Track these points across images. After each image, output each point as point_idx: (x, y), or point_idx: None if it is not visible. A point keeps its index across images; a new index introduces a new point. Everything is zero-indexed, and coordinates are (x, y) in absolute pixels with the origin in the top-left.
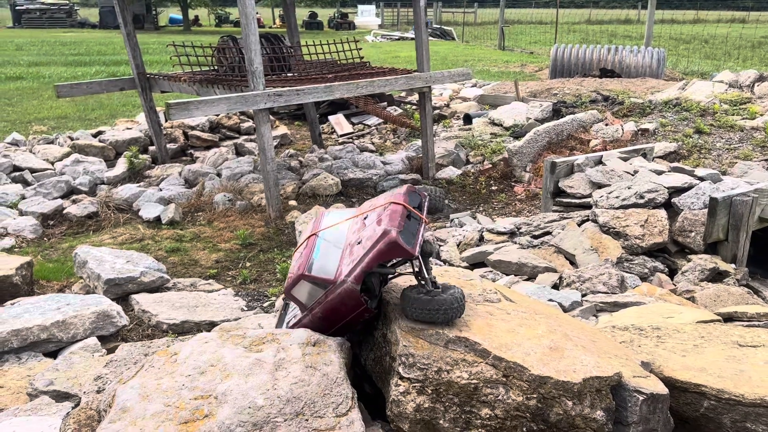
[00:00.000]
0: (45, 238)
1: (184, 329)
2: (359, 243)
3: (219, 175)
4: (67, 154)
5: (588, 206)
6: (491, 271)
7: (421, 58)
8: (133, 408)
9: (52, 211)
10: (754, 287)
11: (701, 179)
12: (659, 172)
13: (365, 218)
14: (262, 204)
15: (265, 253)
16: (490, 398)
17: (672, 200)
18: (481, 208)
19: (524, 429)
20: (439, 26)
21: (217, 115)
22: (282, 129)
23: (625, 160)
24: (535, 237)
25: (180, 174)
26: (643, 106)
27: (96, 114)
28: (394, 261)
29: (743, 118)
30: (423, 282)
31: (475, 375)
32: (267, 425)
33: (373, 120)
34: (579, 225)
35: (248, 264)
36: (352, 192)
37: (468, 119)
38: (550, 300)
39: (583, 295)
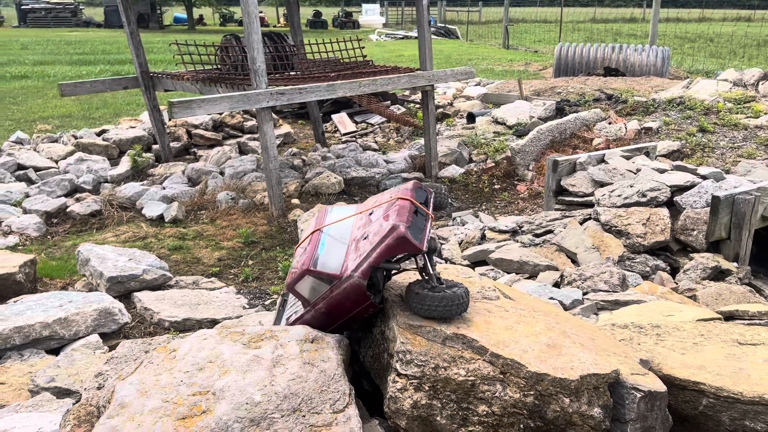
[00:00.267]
0: (48, 236)
1: (185, 327)
2: (365, 238)
3: (222, 173)
4: (71, 153)
5: (590, 205)
6: (493, 270)
7: (424, 57)
8: (132, 404)
9: (56, 210)
10: (757, 286)
11: (704, 178)
12: (662, 171)
13: (371, 214)
14: (265, 202)
15: (268, 252)
16: (488, 395)
17: (674, 199)
18: (483, 207)
19: (521, 426)
20: (443, 25)
21: (221, 114)
22: (285, 128)
23: (627, 158)
24: (537, 235)
25: (183, 172)
26: (646, 105)
27: (100, 113)
28: (399, 256)
29: (747, 117)
30: (428, 278)
31: (473, 372)
32: (264, 421)
33: (376, 119)
34: (581, 223)
35: (250, 262)
36: (355, 190)
37: (471, 118)
38: (551, 298)
39: (585, 294)
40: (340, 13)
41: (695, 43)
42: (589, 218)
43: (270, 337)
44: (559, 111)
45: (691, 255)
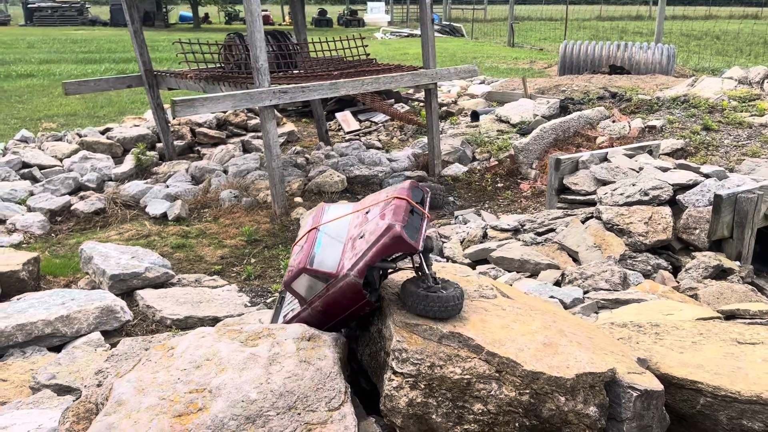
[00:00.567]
0: (52, 234)
1: (187, 325)
2: (362, 237)
3: (225, 171)
4: (75, 151)
5: (593, 203)
6: (494, 268)
7: (427, 55)
8: (129, 401)
9: (60, 208)
10: (759, 285)
11: (707, 176)
12: (664, 169)
13: (367, 212)
14: (268, 200)
15: (270, 250)
16: (483, 393)
17: (677, 197)
18: (486, 205)
19: (517, 424)
20: (448, 23)
21: (225, 112)
22: (289, 126)
23: (630, 157)
24: (539, 234)
25: (187, 171)
26: (650, 103)
27: (105, 111)
28: (395, 255)
29: (752, 115)
30: (424, 277)
31: (468, 370)
32: (259, 419)
33: (380, 117)
34: (583, 222)
35: (253, 260)
36: (358, 189)
37: (475, 116)
38: (552, 297)
39: (585, 293)
40: (346, 12)
41: (701, 40)
42: (591, 217)
43: (267, 335)
44: (563, 109)
45: (693, 254)
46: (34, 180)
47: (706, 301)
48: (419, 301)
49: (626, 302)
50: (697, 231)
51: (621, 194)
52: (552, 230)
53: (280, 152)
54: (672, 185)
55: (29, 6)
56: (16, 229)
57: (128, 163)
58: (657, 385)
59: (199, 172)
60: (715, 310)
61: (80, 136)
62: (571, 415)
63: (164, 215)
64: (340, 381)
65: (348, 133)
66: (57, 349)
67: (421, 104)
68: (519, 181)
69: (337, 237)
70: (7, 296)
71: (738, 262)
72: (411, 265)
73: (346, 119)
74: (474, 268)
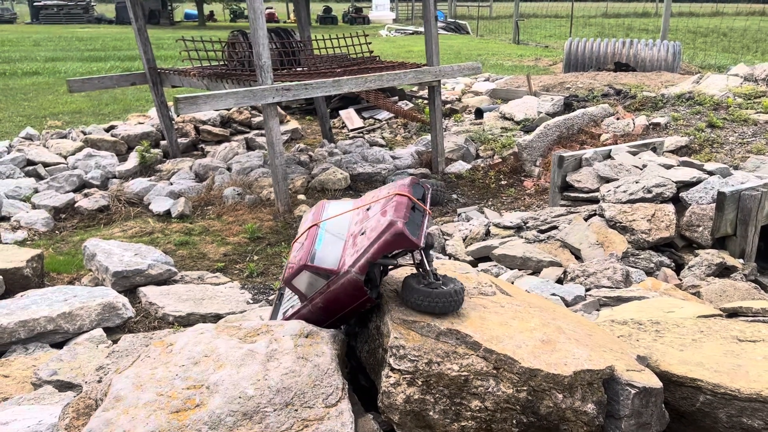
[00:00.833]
0: (57, 231)
1: (189, 321)
2: (363, 234)
3: (229, 169)
4: (80, 149)
5: (596, 201)
6: (496, 266)
7: (431, 52)
8: (127, 397)
9: (64, 205)
10: (762, 282)
11: (710, 173)
12: (668, 167)
13: (368, 209)
14: (271, 198)
15: (273, 247)
16: (481, 390)
17: (680, 195)
18: (489, 203)
19: (514, 421)
20: (453, 20)
21: (229, 110)
22: (293, 124)
23: (634, 154)
24: (542, 231)
25: (190, 168)
26: (655, 100)
27: (110, 109)
28: (396, 252)
29: (757, 112)
30: (424, 273)
31: (466, 367)
32: (256, 415)
33: (384, 114)
34: (586, 219)
35: (256, 257)
36: (361, 186)
37: (479, 113)
38: (553, 294)
39: (587, 290)
40: (350, 9)
41: (708, 37)
42: (594, 214)
43: (265, 331)
44: (567, 106)
45: (696, 251)
46: (39, 177)
47: (709, 299)
48: (421, 297)
49: (628, 300)
50: (701, 228)
51: (624, 191)
52: (555, 228)
53: (283, 149)
54: (675, 182)
55: (35, 4)
56: (20, 226)
57: (132, 160)
58: (656, 383)
59: (203, 170)
60: (717, 307)
61: (85, 133)
62: (569, 413)
63: (168, 212)
64: (338, 377)
65: (352, 130)
66: (59, 345)
67: (425, 102)
68: (522, 178)
69: (338, 234)
70: (11, 293)
71: (741, 260)
72: (411, 262)
73: (349, 117)
74: (476, 266)
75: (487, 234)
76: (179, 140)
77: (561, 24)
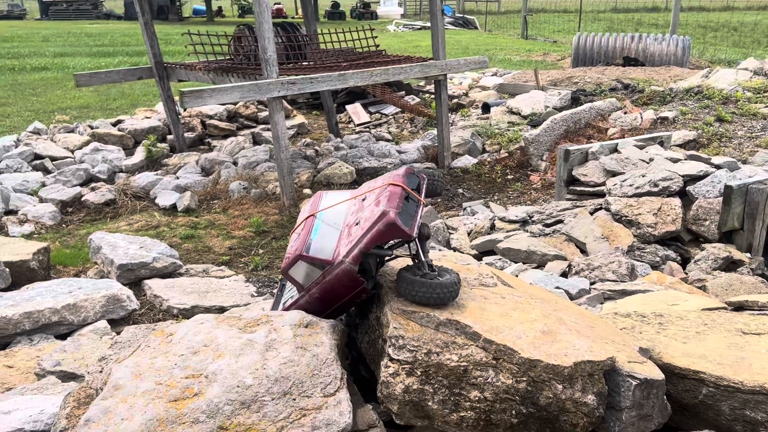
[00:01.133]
0: (63, 225)
1: (194, 314)
2: (357, 224)
3: (235, 163)
4: (87, 143)
5: (602, 194)
6: (500, 259)
7: (437, 46)
8: (125, 386)
9: (71, 199)
10: None
11: (718, 167)
12: (675, 160)
13: (363, 199)
14: (277, 192)
15: (278, 241)
16: (480, 381)
17: (687, 188)
18: (496, 197)
19: (513, 412)
20: (461, 15)
21: (235, 104)
22: (299, 118)
23: (641, 148)
24: (547, 225)
25: (197, 162)
26: (663, 95)
27: (117, 103)
28: (392, 243)
29: (766, 106)
30: (419, 264)
31: (465, 357)
32: (254, 404)
33: (390, 109)
34: (591, 213)
35: (261, 251)
36: (367, 180)
37: (486, 108)
38: (557, 287)
39: (592, 283)
40: (359, 4)
41: (718, 32)
42: (600, 208)
43: (265, 321)
44: (575, 101)
45: (702, 245)
46: (46, 171)
47: (714, 293)
48: (414, 287)
49: (632, 293)
50: (707, 222)
51: (630, 185)
52: (560, 221)
53: (288, 144)
54: (682, 176)
55: (45, 0)
56: (27, 220)
57: (139, 154)
58: (657, 375)
59: (209, 164)
60: (723, 301)
61: (92, 127)
62: (569, 403)
63: (174, 206)
64: (337, 367)
65: (358, 125)
66: (64, 336)
67: (432, 96)
68: (529, 172)
69: (334, 224)
70: (17, 285)
71: (748, 254)
72: (409, 253)
73: (356, 111)
74: (480, 260)
75: (492, 228)
76: (186, 135)
77: (570, 19)
